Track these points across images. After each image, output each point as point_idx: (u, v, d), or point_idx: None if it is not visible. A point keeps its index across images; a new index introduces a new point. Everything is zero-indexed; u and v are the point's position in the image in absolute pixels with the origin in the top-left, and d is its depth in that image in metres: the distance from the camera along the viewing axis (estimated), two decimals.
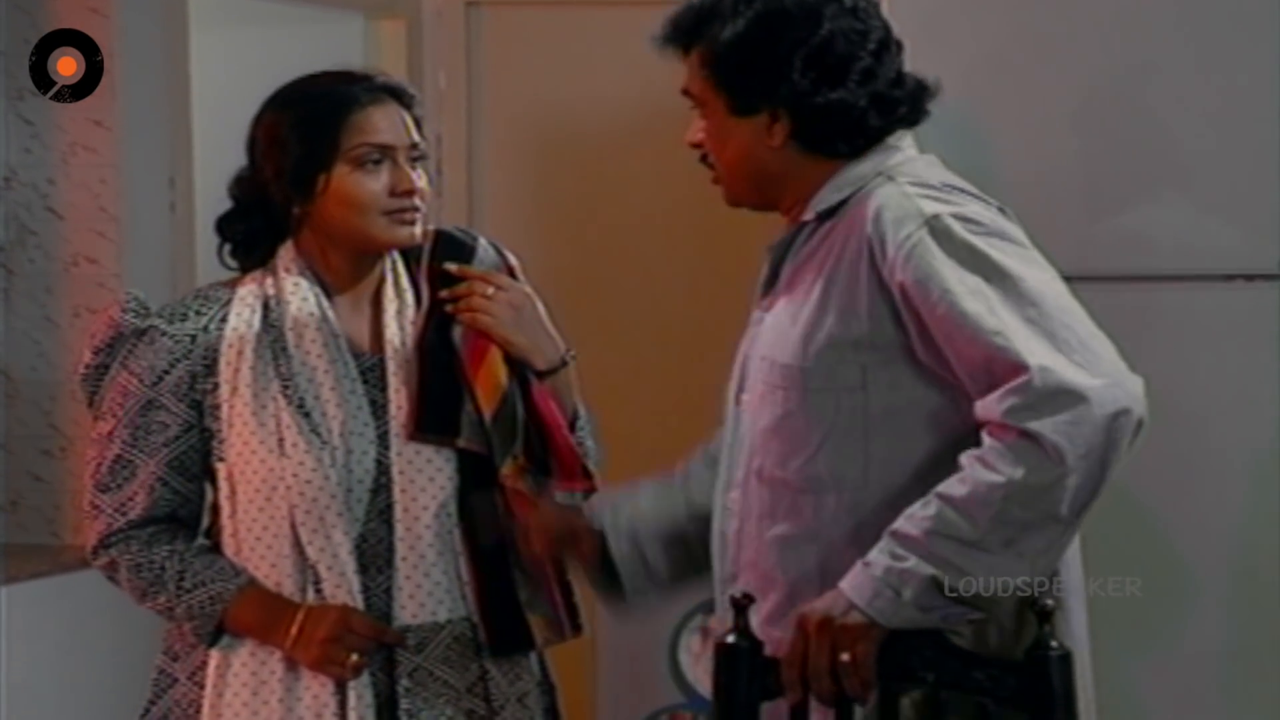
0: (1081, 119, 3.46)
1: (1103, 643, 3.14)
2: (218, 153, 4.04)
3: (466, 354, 2.60)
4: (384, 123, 2.55)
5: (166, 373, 2.55)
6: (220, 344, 2.56)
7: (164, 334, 2.56)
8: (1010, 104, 3.49)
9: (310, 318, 2.55)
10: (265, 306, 2.57)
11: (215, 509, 2.60)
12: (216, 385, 2.54)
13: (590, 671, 4.11)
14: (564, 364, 2.66)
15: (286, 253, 2.60)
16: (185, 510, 2.59)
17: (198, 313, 2.58)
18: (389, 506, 2.53)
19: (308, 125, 2.54)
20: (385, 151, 2.54)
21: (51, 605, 3.82)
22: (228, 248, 2.67)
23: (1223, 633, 3.45)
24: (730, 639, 2.38)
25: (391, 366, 2.58)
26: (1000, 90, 3.50)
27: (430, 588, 2.53)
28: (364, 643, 2.48)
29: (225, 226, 2.65)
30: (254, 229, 2.62)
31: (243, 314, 2.57)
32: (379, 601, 2.52)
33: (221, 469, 2.54)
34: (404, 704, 2.51)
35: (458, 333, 2.61)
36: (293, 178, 2.54)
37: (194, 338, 2.57)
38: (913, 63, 3.46)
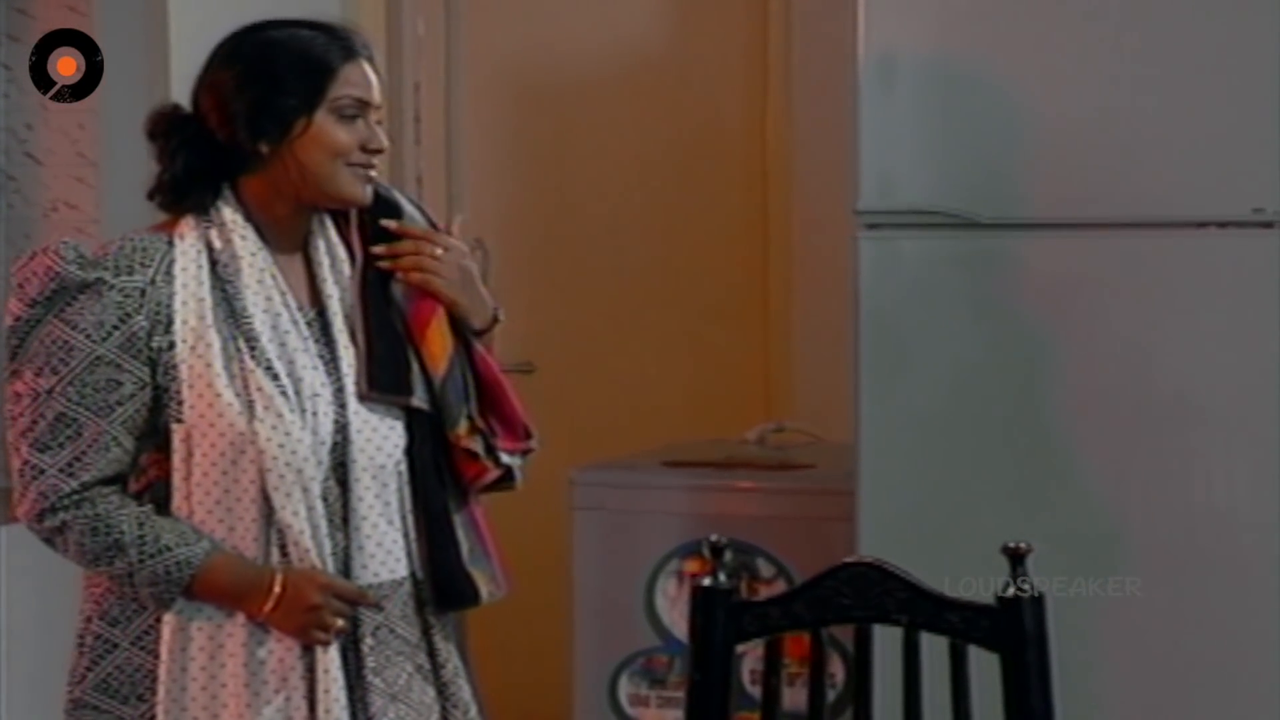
0: (1057, 68, 3.48)
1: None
2: None
3: (412, 314, 2.58)
4: (366, 80, 2.54)
5: (116, 328, 2.46)
6: (172, 300, 2.48)
7: (110, 287, 2.46)
8: (990, 55, 3.51)
9: (263, 273, 2.52)
10: (211, 260, 2.51)
11: (152, 470, 2.51)
12: (172, 343, 2.46)
13: (566, 616, 4.14)
14: (496, 322, 2.67)
15: (226, 201, 2.54)
16: (126, 471, 2.51)
17: (143, 265, 2.48)
18: (343, 465, 2.50)
19: (303, 64, 2.51)
20: (363, 108, 2.53)
21: (12, 554, 3.81)
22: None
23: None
24: (706, 581, 2.41)
25: (337, 323, 2.55)
26: (979, 41, 3.52)
27: (389, 546, 2.53)
28: (347, 608, 2.49)
29: (167, 161, 2.55)
30: (193, 167, 2.54)
31: (188, 268, 2.50)
32: (336, 561, 2.50)
33: (179, 430, 2.46)
34: (370, 662, 2.50)
35: (398, 290, 2.58)
36: (272, 114, 2.50)
37: (143, 291, 2.47)
38: (889, 17, 3.52)
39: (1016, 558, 2.37)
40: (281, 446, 2.45)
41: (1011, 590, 2.36)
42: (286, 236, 2.56)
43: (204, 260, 2.51)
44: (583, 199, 4.82)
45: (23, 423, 2.47)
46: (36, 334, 2.46)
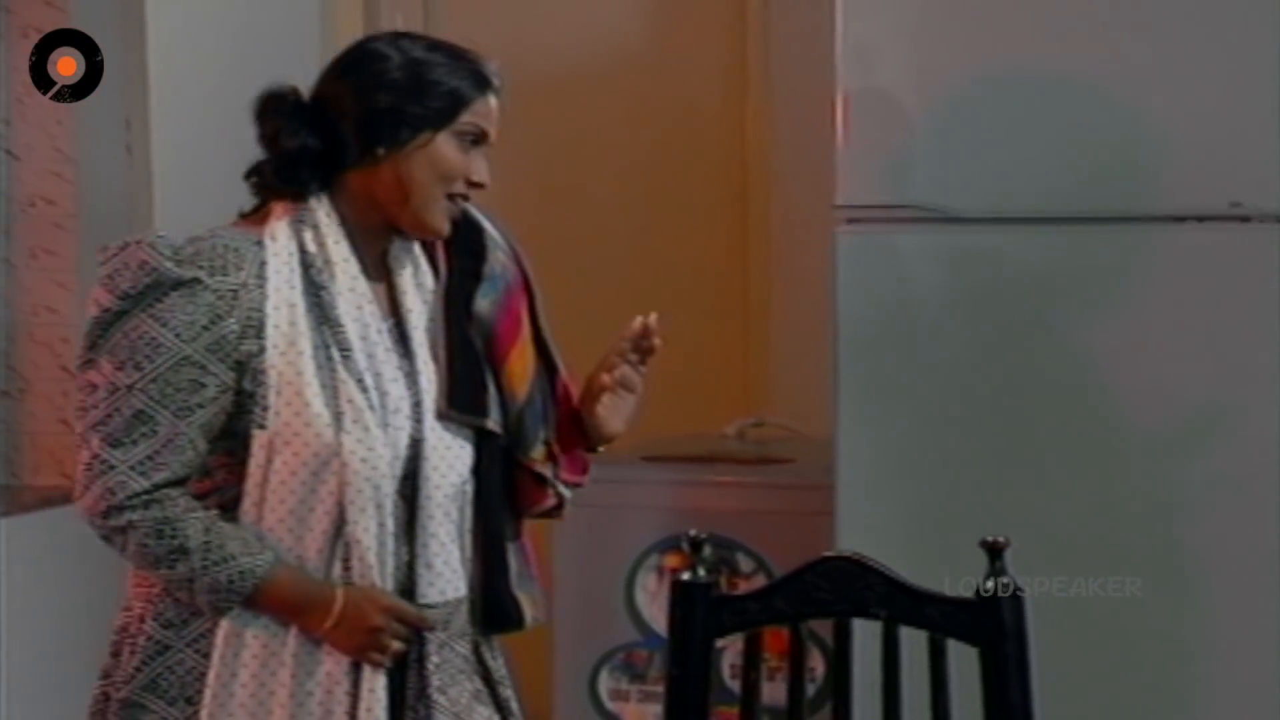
0: (1037, 62, 3.49)
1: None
2: (173, 95, 4.07)
3: (497, 335, 2.57)
4: (492, 115, 2.54)
5: (206, 329, 2.40)
6: (264, 303, 2.43)
7: (205, 287, 2.40)
8: (970, 49, 3.52)
9: (355, 280, 2.49)
10: (304, 263, 2.48)
11: (220, 473, 2.46)
12: (263, 348, 2.41)
13: (547, 610, 4.13)
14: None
15: (320, 198, 2.51)
16: (194, 474, 2.46)
17: (236, 266, 2.43)
18: (412, 481, 2.47)
19: (446, 82, 2.49)
20: (482, 140, 2.53)
21: (12, 546, 3.81)
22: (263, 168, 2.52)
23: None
24: (686, 576, 2.41)
25: (417, 337, 2.53)
26: (959, 34, 3.52)
27: (455, 565, 2.50)
28: (407, 632, 2.46)
29: (278, 140, 2.50)
30: (303, 152, 2.49)
31: (280, 271, 2.45)
32: (398, 578, 2.47)
33: (260, 437, 2.41)
34: (434, 680, 2.48)
35: (484, 308, 2.57)
36: (401, 119, 2.47)
37: (236, 293, 2.42)
38: (868, 11, 3.52)
39: (995, 552, 2.37)
40: (364, 460, 2.41)
41: (991, 585, 2.37)
42: (371, 243, 2.53)
43: (295, 263, 2.47)
44: (562, 195, 4.82)
45: (96, 415, 2.41)
46: (121, 326, 2.41)
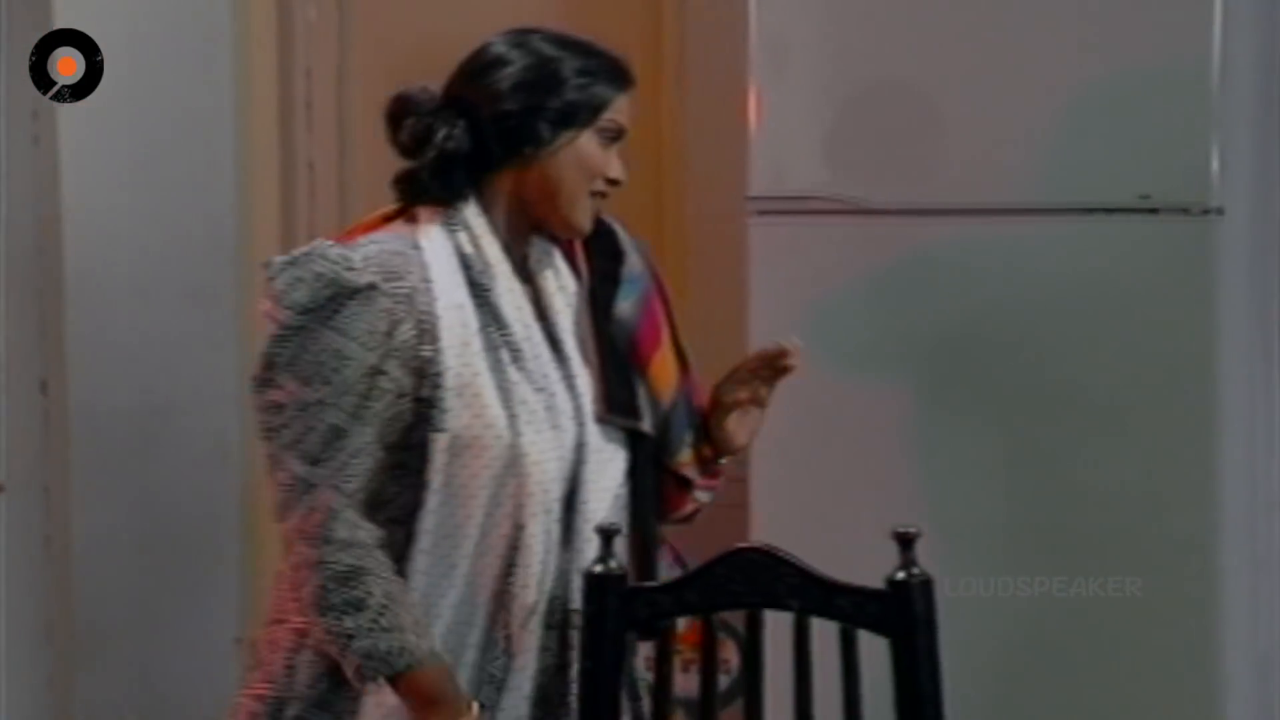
0: (947, 53, 3.50)
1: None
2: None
3: (639, 338, 2.56)
4: (629, 111, 2.53)
5: (387, 335, 2.37)
6: (435, 305, 2.40)
7: (381, 293, 2.37)
8: (882, 40, 3.53)
9: (513, 283, 2.47)
10: (464, 265, 2.45)
11: (391, 489, 2.43)
12: (439, 351, 2.39)
13: None
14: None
15: (468, 204, 2.48)
16: (372, 487, 2.42)
17: (405, 270, 2.40)
18: (573, 486, 2.46)
19: (590, 77, 2.49)
20: (619, 137, 2.52)
21: None
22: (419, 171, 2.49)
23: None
24: (597, 568, 2.41)
25: (570, 341, 2.52)
26: (871, 26, 3.53)
27: None
28: None
29: (429, 143, 2.47)
30: (453, 155, 2.46)
31: (445, 273, 2.42)
32: (558, 583, 2.46)
33: (440, 439, 2.38)
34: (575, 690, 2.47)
35: (625, 311, 2.56)
36: (548, 117, 2.47)
37: (409, 297, 2.39)
38: (781, 3, 3.52)
39: (905, 542, 2.38)
40: (537, 464, 2.40)
41: (901, 575, 2.38)
42: (517, 245, 2.51)
43: (455, 265, 2.44)
44: None
45: (289, 434, 2.38)
46: (302, 341, 2.37)
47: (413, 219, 2.49)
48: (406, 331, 2.39)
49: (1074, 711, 3.49)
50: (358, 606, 2.35)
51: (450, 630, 2.43)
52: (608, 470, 2.50)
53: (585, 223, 2.52)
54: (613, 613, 2.40)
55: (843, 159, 3.52)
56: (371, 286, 2.38)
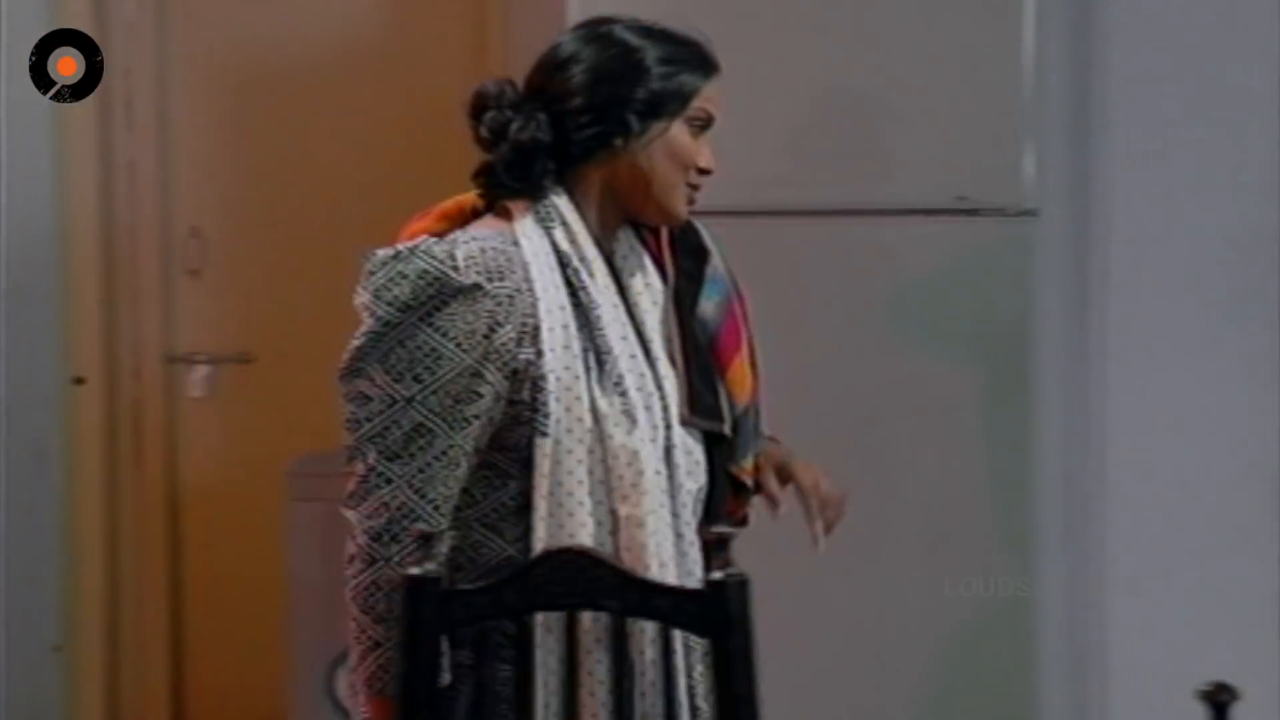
0: (769, 53, 3.51)
1: None
2: None
3: (719, 342, 2.54)
4: (717, 98, 2.49)
5: (486, 337, 2.32)
6: (537, 307, 2.34)
7: (485, 293, 2.32)
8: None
9: (608, 280, 2.42)
10: (560, 262, 2.39)
11: (480, 490, 2.40)
12: (540, 353, 2.34)
13: (282, 609, 4.09)
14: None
15: (560, 197, 2.43)
16: (456, 494, 2.39)
17: (509, 270, 2.34)
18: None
19: (675, 66, 2.44)
20: (708, 125, 2.49)
21: None
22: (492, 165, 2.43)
23: None
24: (414, 571, 2.39)
25: (658, 341, 2.47)
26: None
27: (698, 573, 2.44)
28: None
29: (506, 135, 2.41)
30: (538, 148, 2.40)
31: (545, 272, 2.36)
32: None
33: (543, 444, 2.33)
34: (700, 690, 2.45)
35: (708, 312, 2.53)
36: (639, 108, 2.42)
37: (512, 298, 2.34)
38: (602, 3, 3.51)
39: (720, 543, 2.39)
40: (630, 466, 2.37)
41: (719, 574, 2.38)
42: (605, 241, 2.47)
43: (553, 262, 2.39)
44: (301, 187, 4.77)
45: (372, 427, 2.35)
46: (398, 337, 2.33)
47: (504, 213, 2.44)
48: (506, 334, 2.34)
49: (895, 709, 3.52)
50: (390, 619, 2.36)
51: None
52: (692, 473, 2.47)
53: (682, 211, 2.49)
54: (429, 615, 2.38)
55: None
56: (476, 287, 2.33)
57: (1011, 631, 3.48)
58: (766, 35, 3.50)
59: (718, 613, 2.37)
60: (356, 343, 2.36)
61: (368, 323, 2.36)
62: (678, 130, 2.46)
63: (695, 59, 2.49)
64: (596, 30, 2.48)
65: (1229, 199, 3.68)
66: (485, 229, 2.42)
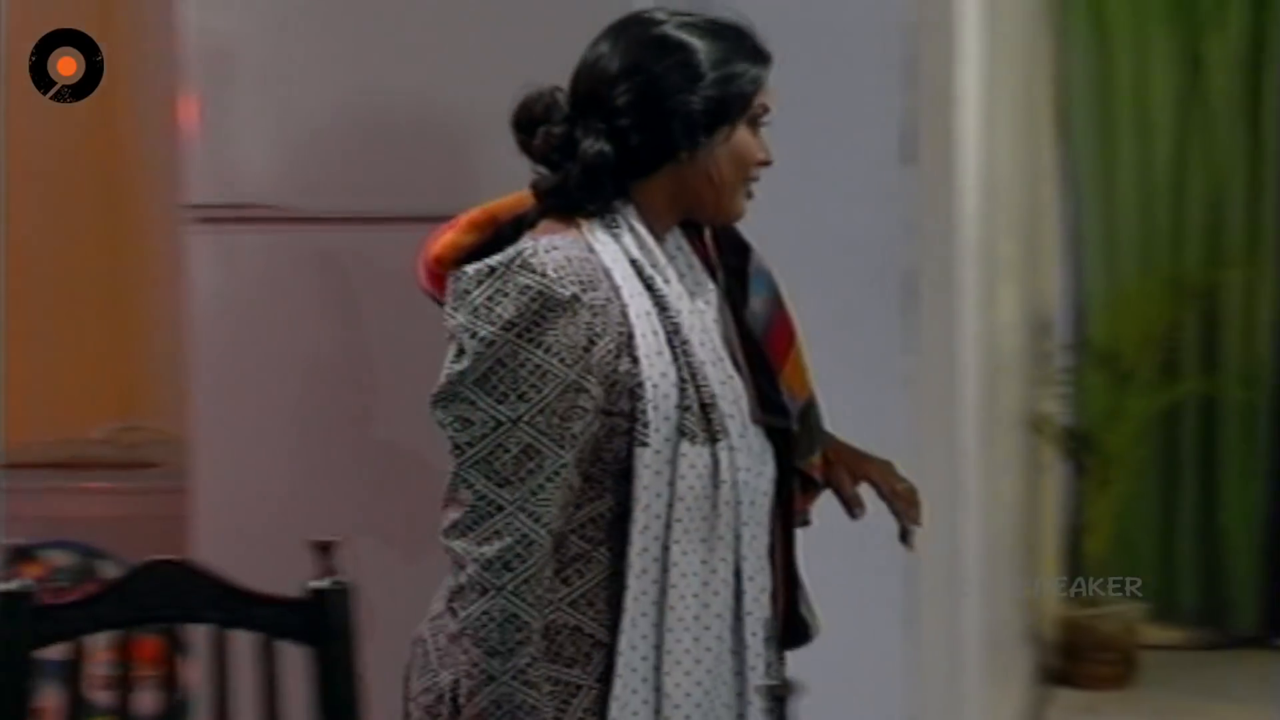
0: (374, 63, 3.51)
1: None
2: None
3: (772, 338, 2.45)
4: (771, 88, 2.37)
5: (586, 350, 2.21)
6: (627, 315, 2.24)
7: (583, 305, 2.21)
8: (315, 48, 3.53)
9: (680, 284, 2.33)
10: (636, 270, 2.28)
11: (586, 509, 2.27)
12: (636, 361, 2.23)
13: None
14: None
15: (628, 208, 2.31)
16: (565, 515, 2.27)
17: (597, 279, 2.24)
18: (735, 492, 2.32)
19: (728, 65, 2.32)
20: (765, 117, 2.37)
21: None
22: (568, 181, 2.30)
23: None
24: (4, 587, 2.35)
25: (719, 342, 2.37)
26: (304, 34, 3.53)
27: (768, 577, 2.36)
28: None
29: (567, 153, 2.30)
30: (604, 164, 2.28)
31: (627, 279, 2.26)
32: (727, 595, 2.30)
33: (643, 454, 2.23)
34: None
35: (758, 307, 2.45)
36: (701, 120, 2.30)
37: (605, 308, 2.23)
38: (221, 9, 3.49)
39: (324, 550, 2.39)
40: (739, 471, 2.29)
41: (321, 583, 2.38)
42: (663, 244, 2.35)
43: (629, 271, 2.27)
44: None
45: (477, 451, 2.19)
46: (499, 354, 2.19)
47: (562, 219, 2.32)
48: (605, 346, 2.23)
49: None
50: (512, 652, 2.20)
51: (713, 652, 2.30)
52: (763, 474, 2.38)
53: (743, 209, 2.40)
54: (20, 631, 2.34)
55: (274, 167, 3.52)
56: (575, 299, 2.21)
57: None
58: (362, 49, 3.50)
59: (319, 622, 2.38)
60: (458, 367, 2.22)
61: (469, 344, 2.23)
62: (741, 131, 2.37)
63: (748, 52, 2.38)
64: (648, 33, 2.36)
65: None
66: (559, 237, 2.30)
